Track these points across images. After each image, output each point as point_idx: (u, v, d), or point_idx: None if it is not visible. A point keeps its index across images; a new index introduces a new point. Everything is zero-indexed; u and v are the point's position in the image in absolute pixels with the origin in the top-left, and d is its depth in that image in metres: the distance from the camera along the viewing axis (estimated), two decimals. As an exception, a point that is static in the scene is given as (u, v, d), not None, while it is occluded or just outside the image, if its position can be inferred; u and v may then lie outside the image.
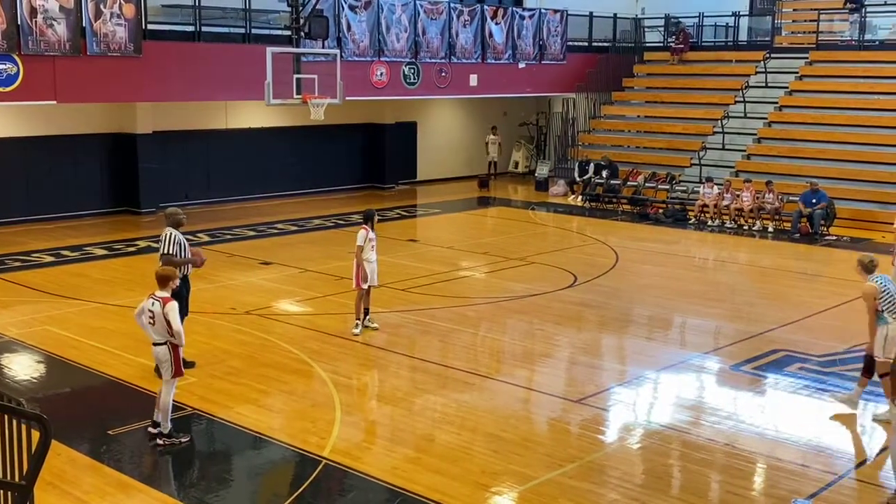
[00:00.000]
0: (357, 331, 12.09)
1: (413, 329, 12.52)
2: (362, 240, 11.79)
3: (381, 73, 22.53)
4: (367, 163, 26.63)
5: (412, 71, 23.28)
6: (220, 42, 19.81)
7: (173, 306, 8.43)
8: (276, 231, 19.95)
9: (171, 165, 21.91)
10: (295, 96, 17.18)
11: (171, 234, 10.42)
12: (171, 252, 10.32)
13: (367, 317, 12.30)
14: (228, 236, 19.10)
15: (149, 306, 8.47)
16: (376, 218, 12.25)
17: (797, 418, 9.63)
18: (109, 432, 8.91)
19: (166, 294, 8.49)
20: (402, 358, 11.35)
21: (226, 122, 23.34)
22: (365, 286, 12.03)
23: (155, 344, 8.53)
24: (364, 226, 11.95)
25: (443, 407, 9.69)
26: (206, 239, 18.57)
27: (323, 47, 19.77)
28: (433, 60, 23.69)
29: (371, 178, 26.67)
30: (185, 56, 19.16)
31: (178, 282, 8.90)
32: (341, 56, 19.08)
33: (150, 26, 18.60)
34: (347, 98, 18.68)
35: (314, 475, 8.01)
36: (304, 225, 20.62)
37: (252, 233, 19.62)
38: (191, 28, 19.36)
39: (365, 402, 10.05)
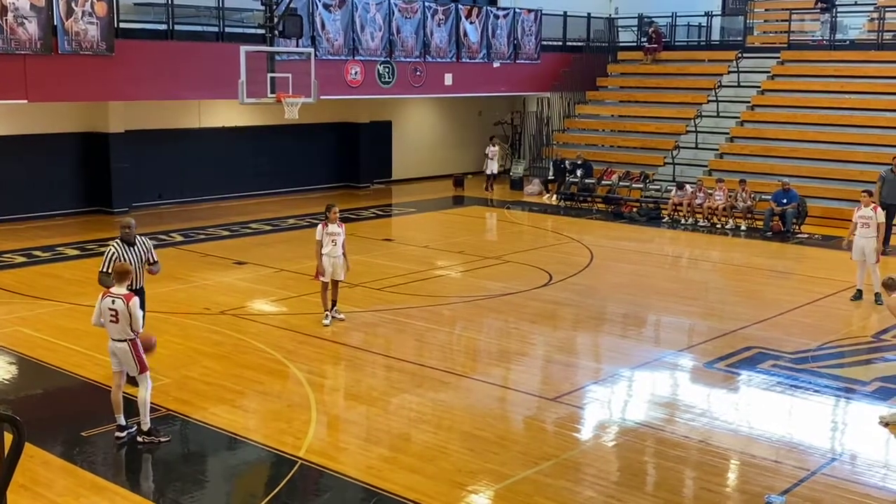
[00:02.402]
0: (327, 322, 12.34)
1: (389, 328, 12.51)
2: (319, 234, 12.28)
3: (356, 72, 22.49)
4: (342, 162, 26.58)
5: (387, 70, 23.25)
6: (193, 41, 19.69)
7: (136, 301, 8.49)
8: (250, 231, 19.86)
9: (144, 165, 21.75)
10: (269, 95, 17.11)
11: (110, 251, 9.68)
12: (106, 270, 9.49)
13: (335, 308, 12.50)
14: (202, 236, 18.99)
15: (109, 305, 8.45)
16: (331, 212, 12.23)
17: (770, 415, 9.71)
18: (83, 434, 8.84)
19: (125, 291, 8.51)
20: (378, 357, 11.34)
21: (199, 122, 23.20)
22: (323, 279, 12.32)
23: (116, 340, 8.54)
24: (323, 221, 12.35)
25: (419, 406, 9.69)
26: (180, 239, 18.47)
27: (297, 46, 19.71)
28: (408, 59, 23.68)
29: (346, 177, 26.63)
30: (158, 55, 19.02)
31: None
32: (315, 55, 19.02)
33: (122, 25, 18.47)
34: (322, 97, 18.62)
35: (290, 475, 7.99)
36: (278, 224, 20.55)
37: (226, 232, 19.51)
38: (163, 26, 19.23)
39: (340, 401, 10.03)
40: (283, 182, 24.95)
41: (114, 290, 8.51)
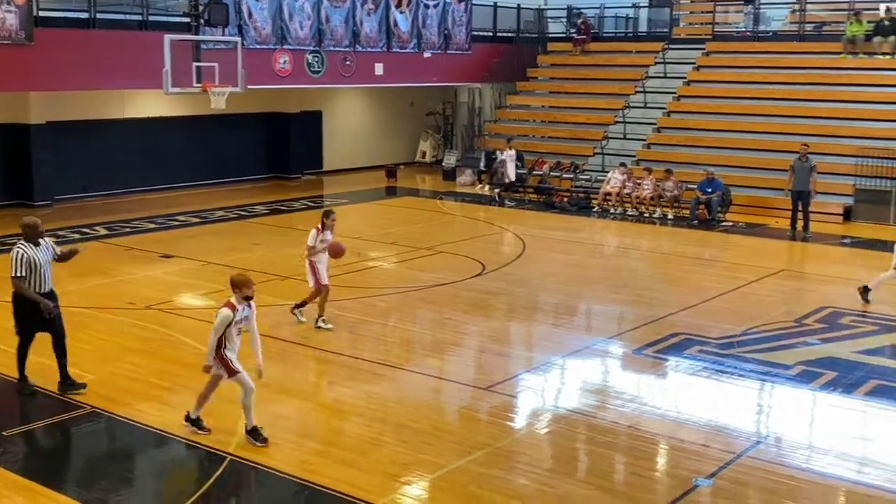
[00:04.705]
0: (329, 325, 11.92)
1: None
2: (312, 240, 11.76)
3: (285, 62, 22.23)
4: (271, 153, 26.29)
5: (316, 59, 23.04)
6: (115, 29, 19.24)
7: (218, 314, 8.30)
8: (177, 223, 19.51)
9: (68, 157, 21.22)
10: (195, 85, 16.84)
11: (20, 253, 9.15)
12: (21, 275, 9.15)
13: (322, 317, 12.02)
14: (127, 229, 18.59)
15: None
16: (329, 219, 11.80)
17: (697, 399, 9.90)
18: (4, 433, 8.59)
19: (230, 299, 8.34)
20: (311, 350, 11.25)
21: (124, 112, 22.70)
22: (325, 284, 11.90)
23: None
24: (317, 227, 11.86)
25: (352, 399, 9.63)
26: (104, 232, 18.06)
27: (223, 35, 19.40)
28: (337, 49, 23.49)
29: (276, 168, 26.34)
30: (80, 44, 18.52)
31: (252, 290, 8.40)
32: (242, 44, 18.76)
33: (41, 13, 17.95)
34: (249, 87, 18.38)
35: (219, 472, 7.87)
36: (206, 217, 20.23)
37: (152, 225, 19.14)
38: (85, 15, 18.74)
39: (272, 395, 9.89)
40: (211, 173, 24.53)
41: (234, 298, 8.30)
